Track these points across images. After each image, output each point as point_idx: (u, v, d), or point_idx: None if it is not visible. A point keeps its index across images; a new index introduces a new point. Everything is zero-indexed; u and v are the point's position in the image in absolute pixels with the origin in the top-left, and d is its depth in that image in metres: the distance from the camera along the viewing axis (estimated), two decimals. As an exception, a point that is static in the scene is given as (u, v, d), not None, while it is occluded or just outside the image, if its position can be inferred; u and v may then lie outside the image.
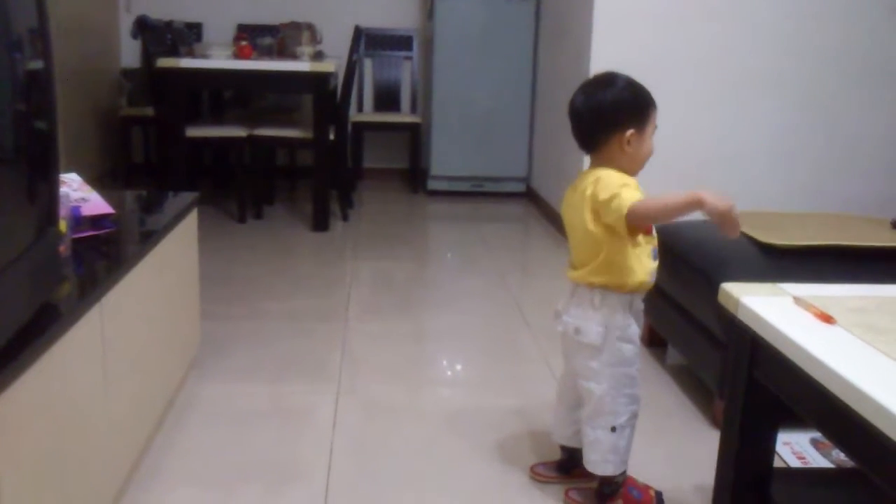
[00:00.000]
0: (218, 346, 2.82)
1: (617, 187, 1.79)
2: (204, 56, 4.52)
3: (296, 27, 4.84)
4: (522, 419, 2.43)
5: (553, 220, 4.91)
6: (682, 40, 4.25)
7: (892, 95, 4.44)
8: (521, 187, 5.66)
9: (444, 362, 2.94)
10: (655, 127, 1.96)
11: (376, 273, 3.96)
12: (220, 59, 4.47)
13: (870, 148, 4.45)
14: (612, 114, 1.87)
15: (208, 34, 5.71)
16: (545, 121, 5.30)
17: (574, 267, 1.93)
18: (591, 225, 1.83)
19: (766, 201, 4.32)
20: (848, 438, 1.35)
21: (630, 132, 1.88)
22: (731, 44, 4.28)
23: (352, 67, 4.79)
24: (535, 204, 5.43)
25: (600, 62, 4.20)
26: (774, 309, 1.57)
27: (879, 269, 2.24)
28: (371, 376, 2.71)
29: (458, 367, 2.91)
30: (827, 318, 1.51)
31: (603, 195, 1.79)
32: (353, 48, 4.78)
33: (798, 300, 1.61)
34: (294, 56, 4.63)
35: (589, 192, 1.83)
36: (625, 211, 1.75)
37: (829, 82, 4.39)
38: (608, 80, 1.92)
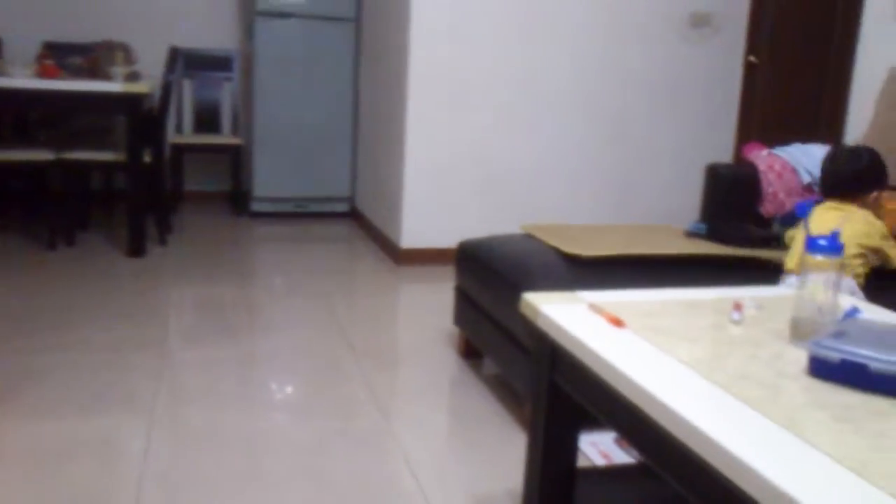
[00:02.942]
0: (21, 382, 2.65)
1: None
2: (4, 74, 4.25)
3: (109, 47, 4.64)
4: (344, 441, 2.44)
5: (377, 239, 4.95)
6: (495, 60, 4.43)
7: (686, 114, 4.81)
8: (345, 207, 5.68)
9: (267, 387, 2.89)
10: None
11: (197, 299, 3.84)
12: (20, 79, 4.22)
13: (668, 163, 4.79)
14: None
15: (10, 52, 5.37)
16: (368, 141, 5.35)
17: None
18: None
19: (575, 215, 4.57)
20: (638, 436, 1.44)
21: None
22: (542, 63, 4.51)
23: (168, 88, 4.65)
24: (360, 224, 5.46)
25: (418, 82, 4.31)
26: (570, 316, 1.65)
27: (672, 275, 2.42)
28: (189, 405, 2.63)
29: (281, 391, 2.87)
30: (618, 322, 1.61)
31: None
32: (170, 69, 4.65)
33: (592, 306, 1.71)
34: (107, 76, 4.45)
35: None
36: None
37: (632, 102, 4.71)
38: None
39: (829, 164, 2.58)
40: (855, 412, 1.19)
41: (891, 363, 1.23)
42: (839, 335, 1.33)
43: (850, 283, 2.33)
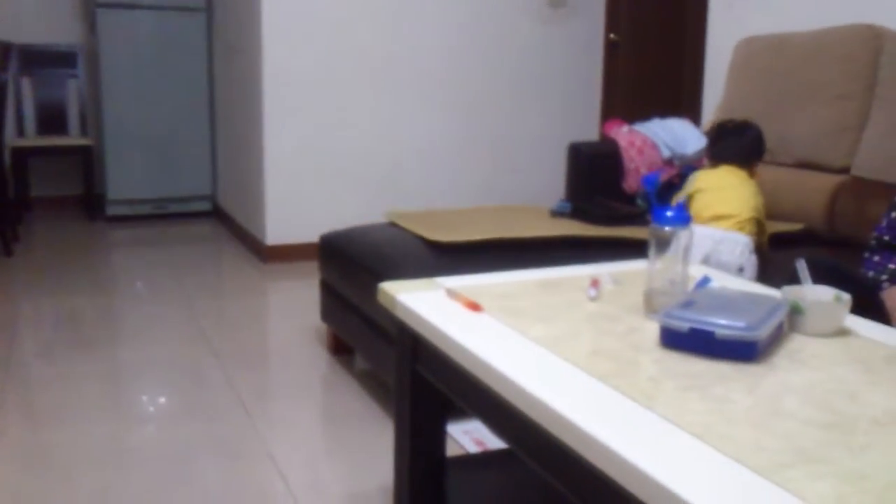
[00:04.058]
0: None
1: None
2: None
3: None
4: (210, 448, 2.32)
5: (242, 237, 4.79)
6: (352, 46, 4.35)
7: (551, 94, 4.86)
8: (207, 206, 5.47)
9: (127, 400, 2.73)
10: None
11: (49, 310, 3.60)
12: None
13: (534, 143, 4.83)
14: None
15: None
16: (226, 135, 5.16)
17: None
18: None
19: (444, 199, 4.54)
20: (498, 421, 1.40)
21: None
22: (401, 47, 4.46)
23: (2, 88, 4.34)
24: (223, 222, 5.27)
25: (273, 71, 4.18)
26: (428, 303, 1.60)
27: (535, 256, 2.41)
28: (40, 425, 2.44)
29: (142, 402, 2.72)
30: (475, 307, 1.57)
31: None
32: (3, 66, 4.34)
33: (450, 292, 1.66)
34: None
35: None
36: None
37: (495, 84, 4.72)
38: None
39: (719, 134, 2.69)
40: (701, 379, 1.19)
41: (735, 328, 1.24)
42: (688, 305, 1.33)
43: (746, 240, 2.41)
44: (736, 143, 2.64)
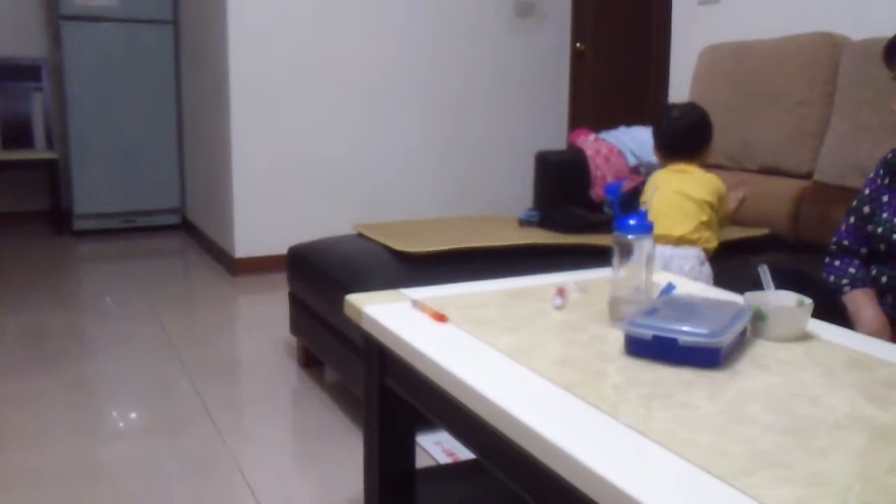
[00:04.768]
0: None
1: None
2: None
3: None
4: (178, 463, 2.29)
5: (211, 250, 4.75)
6: (319, 55, 4.34)
7: (519, 103, 4.87)
8: (175, 219, 5.43)
9: (94, 416, 2.69)
10: None
11: (15, 328, 3.54)
12: None
13: (503, 152, 4.84)
14: None
15: None
16: (194, 147, 5.13)
17: None
18: None
19: (414, 209, 4.54)
20: (464, 432, 1.40)
21: None
22: (368, 57, 4.46)
23: (-36, 101, 4.28)
24: (192, 235, 5.23)
25: (239, 82, 4.16)
26: (394, 314, 1.60)
27: (503, 265, 2.40)
28: (1, 442, 2.40)
29: (110, 418, 2.68)
30: (441, 318, 1.57)
31: None
32: (-35, 80, 4.28)
33: (416, 303, 1.66)
34: None
35: None
36: None
37: (464, 93, 4.73)
38: None
39: (665, 121, 2.59)
40: (665, 387, 1.19)
41: (697, 335, 1.24)
42: (651, 312, 1.34)
43: (696, 252, 2.39)
44: (684, 135, 2.53)
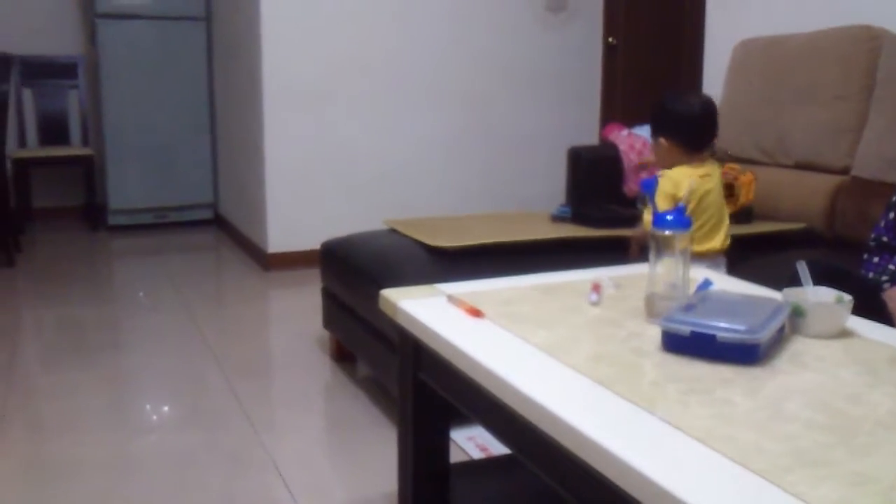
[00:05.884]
0: None
1: None
2: None
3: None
4: (213, 455, 2.32)
5: (243, 245, 4.79)
6: (351, 52, 4.36)
7: (550, 99, 4.86)
8: (208, 214, 5.48)
9: (129, 408, 2.73)
10: None
11: (52, 320, 3.60)
12: None
13: (534, 148, 4.83)
14: None
15: None
16: (227, 143, 5.17)
17: None
18: None
19: (444, 206, 4.54)
20: (501, 427, 1.40)
21: None
22: (401, 54, 4.48)
23: (3, 99, 4.35)
24: (225, 230, 5.28)
25: (272, 78, 4.18)
26: (429, 309, 1.61)
27: (537, 261, 2.39)
28: (42, 434, 2.45)
29: (144, 411, 2.72)
30: (476, 313, 1.57)
31: None
32: (3, 78, 4.35)
33: (451, 298, 1.66)
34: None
35: None
36: None
37: (495, 90, 4.72)
38: None
39: (682, 106, 2.37)
40: (703, 383, 1.19)
41: (736, 332, 1.24)
42: (689, 308, 1.33)
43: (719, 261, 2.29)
44: (711, 124, 2.32)
